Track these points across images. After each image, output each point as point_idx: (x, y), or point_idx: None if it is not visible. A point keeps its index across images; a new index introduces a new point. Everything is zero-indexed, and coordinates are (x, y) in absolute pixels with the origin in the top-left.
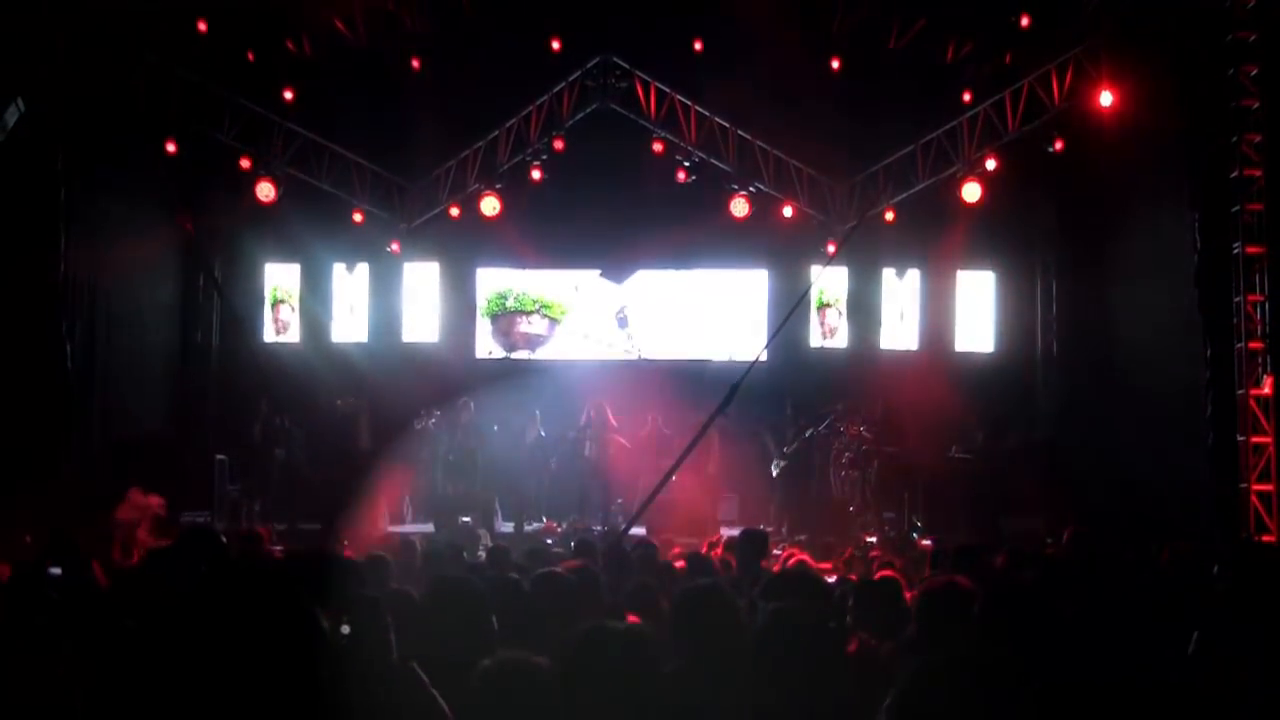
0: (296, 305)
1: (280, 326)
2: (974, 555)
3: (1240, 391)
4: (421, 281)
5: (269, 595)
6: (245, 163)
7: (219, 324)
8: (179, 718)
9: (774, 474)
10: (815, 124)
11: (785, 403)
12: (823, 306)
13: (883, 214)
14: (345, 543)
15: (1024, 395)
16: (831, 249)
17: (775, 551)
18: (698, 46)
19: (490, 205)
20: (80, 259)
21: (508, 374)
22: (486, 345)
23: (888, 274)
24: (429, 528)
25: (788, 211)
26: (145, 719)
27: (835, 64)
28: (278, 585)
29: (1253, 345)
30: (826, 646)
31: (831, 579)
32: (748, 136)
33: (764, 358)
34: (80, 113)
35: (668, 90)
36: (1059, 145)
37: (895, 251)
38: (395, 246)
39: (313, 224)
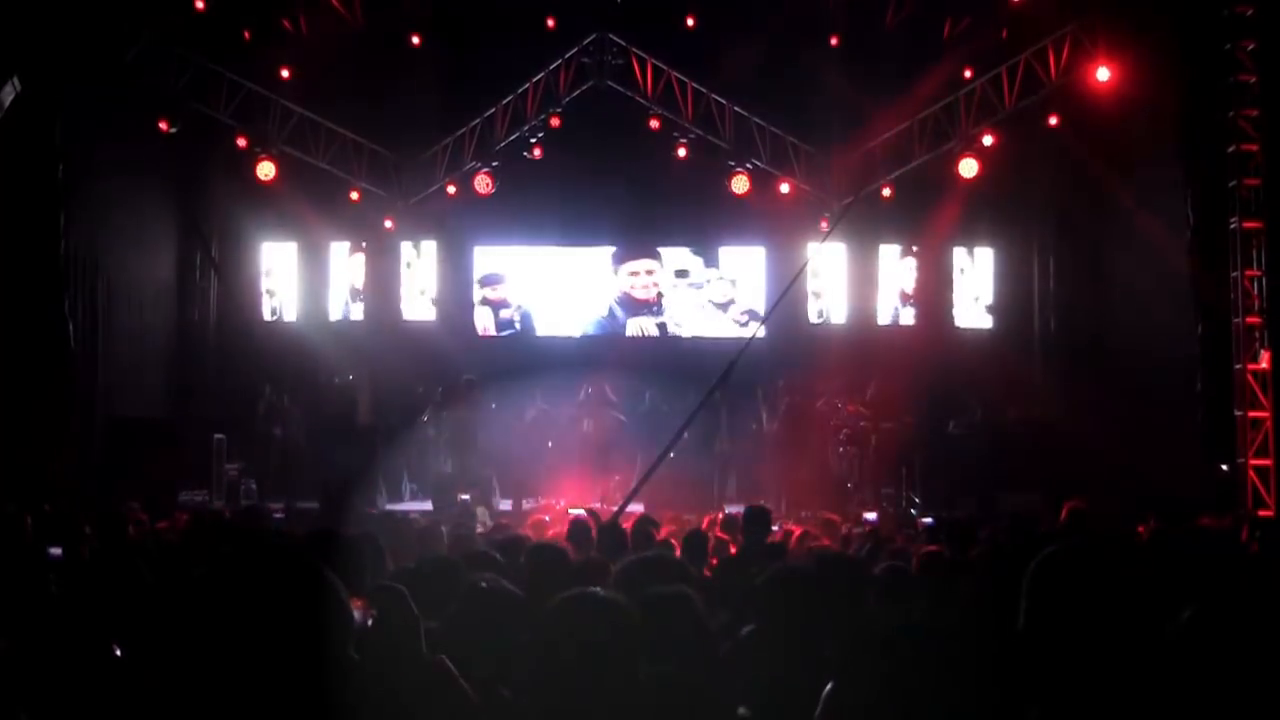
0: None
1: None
2: (967, 530)
3: (1238, 366)
4: (419, 259)
5: (287, 568)
6: (242, 141)
7: (216, 302)
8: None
9: (769, 445)
10: (812, 100)
11: (776, 378)
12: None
13: (880, 190)
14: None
15: (1021, 371)
16: (825, 225)
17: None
18: (690, 23)
19: (482, 183)
20: (80, 236)
21: (506, 351)
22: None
23: (885, 250)
24: (427, 505)
25: (785, 188)
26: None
27: (833, 40)
28: (294, 558)
29: (1250, 320)
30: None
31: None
32: (744, 113)
33: (761, 334)
34: (77, 90)
35: (664, 67)
36: (1053, 120)
37: (892, 228)
38: (389, 223)
39: (310, 202)
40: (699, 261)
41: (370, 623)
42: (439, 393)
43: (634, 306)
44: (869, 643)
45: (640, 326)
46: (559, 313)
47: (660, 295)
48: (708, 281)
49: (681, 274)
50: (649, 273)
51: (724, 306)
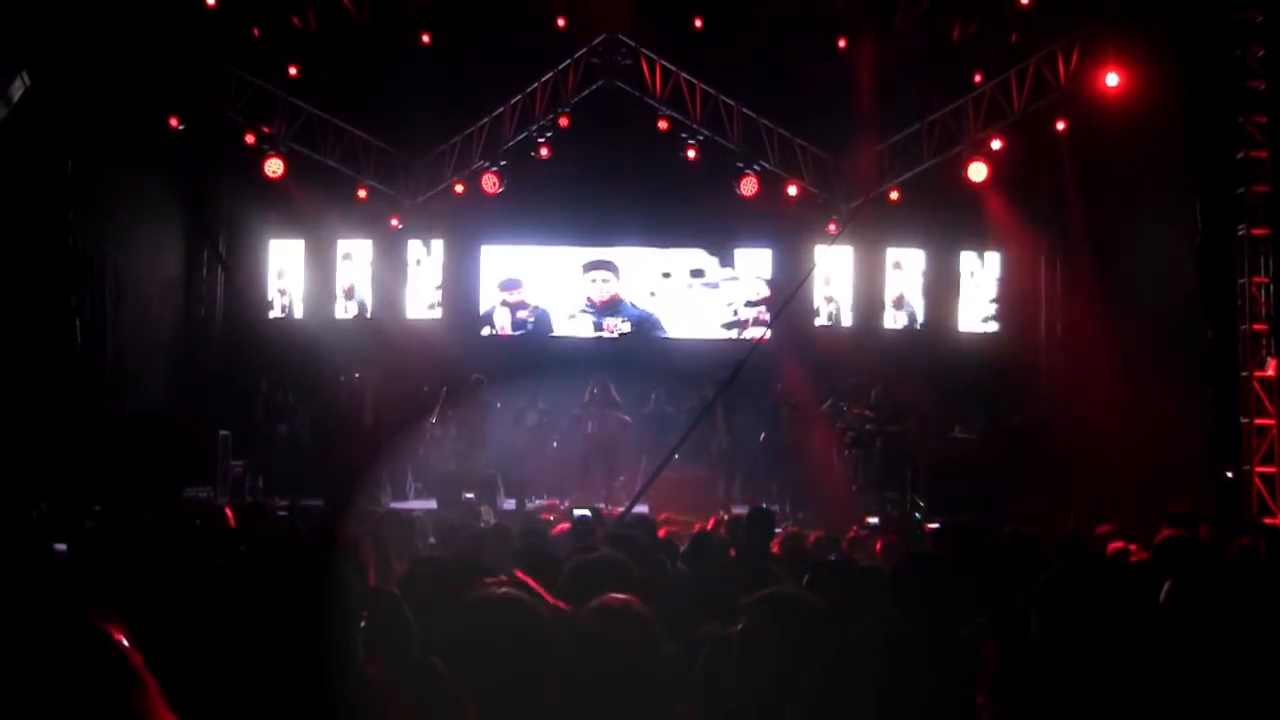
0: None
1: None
2: (973, 534)
3: (1244, 373)
4: (425, 258)
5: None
6: (250, 138)
7: (223, 299)
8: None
9: (773, 446)
10: (820, 102)
11: (781, 380)
12: None
13: (887, 193)
14: (348, 520)
15: (1027, 376)
16: (833, 228)
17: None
18: (698, 24)
19: (490, 183)
20: (87, 233)
21: (512, 351)
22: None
23: (892, 253)
24: (431, 504)
25: (792, 190)
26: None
27: (841, 42)
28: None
29: (1256, 327)
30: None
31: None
32: (753, 115)
33: (767, 337)
34: (85, 87)
35: (673, 68)
36: (1061, 125)
37: (900, 231)
38: (395, 222)
39: (317, 199)
40: (714, 261)
41: (363, 625)
42: (445, 392)
43: (599, 309)
44: (847, 649)
45: (612, 326)
46: (566, 313)
47: (616, 296)
48: (725, 281)
49: (697, 273)
50: (605, 281)
51: (738, 307)
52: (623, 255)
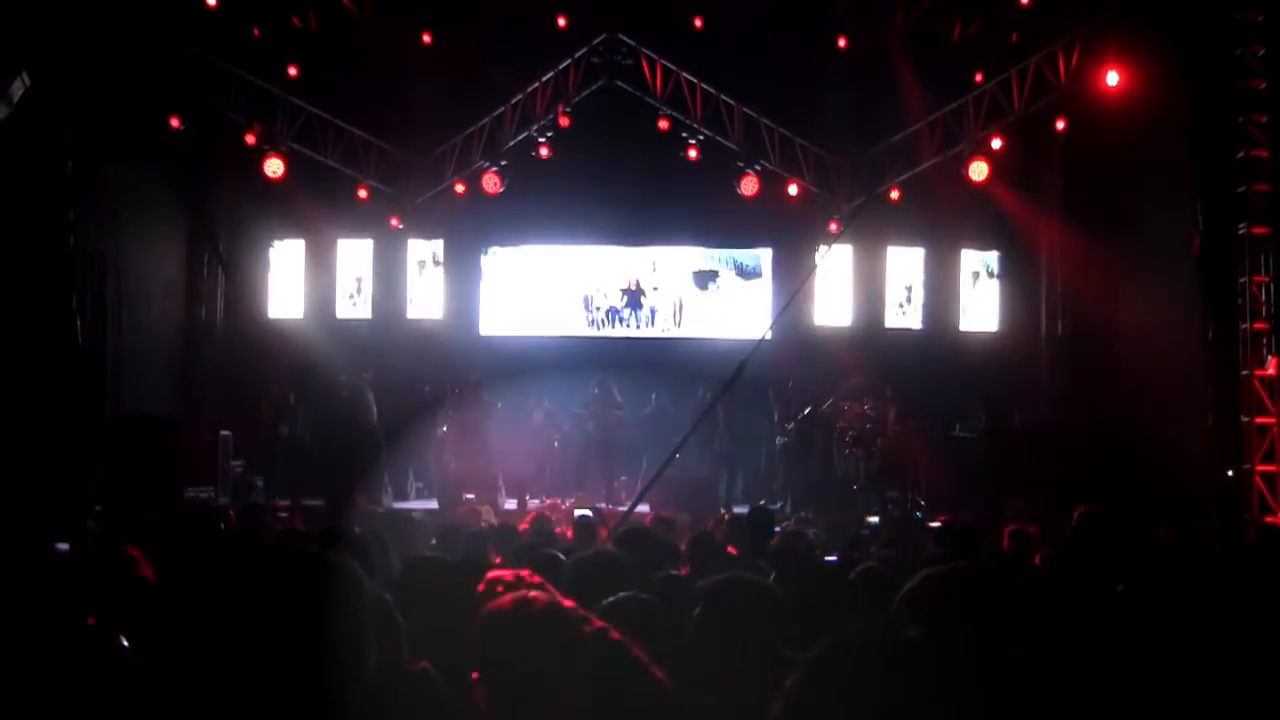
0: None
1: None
2: (976, 535)
3: (1244, 372)
4: (426, 257)
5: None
6: (250, 138)
7: (223, 299)
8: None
9: (777, 446)
10: (821, 102)
11: (788, 380)
12: None
13: (888, 193)
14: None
15: (1027, 375)
16: (834, 227)
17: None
18: (698, 24)
19: (490, 182)
20: (89, 233)
21: (512, 351)
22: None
23: (892, 253)
24: (433, 504)
25: (793, 190)
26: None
27: (842, 42)
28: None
29: (1257, 326)
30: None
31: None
32: (753, 114)
33: (769, 336)
34: (85, 86)
35: (674, 68)
36: (1061, 125)
37: (900, 230)
38: (395, 221)
39: (318, 200)
40: (715, 261)
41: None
42: (454, 391)
43: (610, 308)
44: (835, 651)
45: (626, 322)
46: (567, 312)
47: (635, 295)
48: (726, 281)
49: (698, 273)
50: (625, 279)
51: (739, 307)
52: (624, 255)
